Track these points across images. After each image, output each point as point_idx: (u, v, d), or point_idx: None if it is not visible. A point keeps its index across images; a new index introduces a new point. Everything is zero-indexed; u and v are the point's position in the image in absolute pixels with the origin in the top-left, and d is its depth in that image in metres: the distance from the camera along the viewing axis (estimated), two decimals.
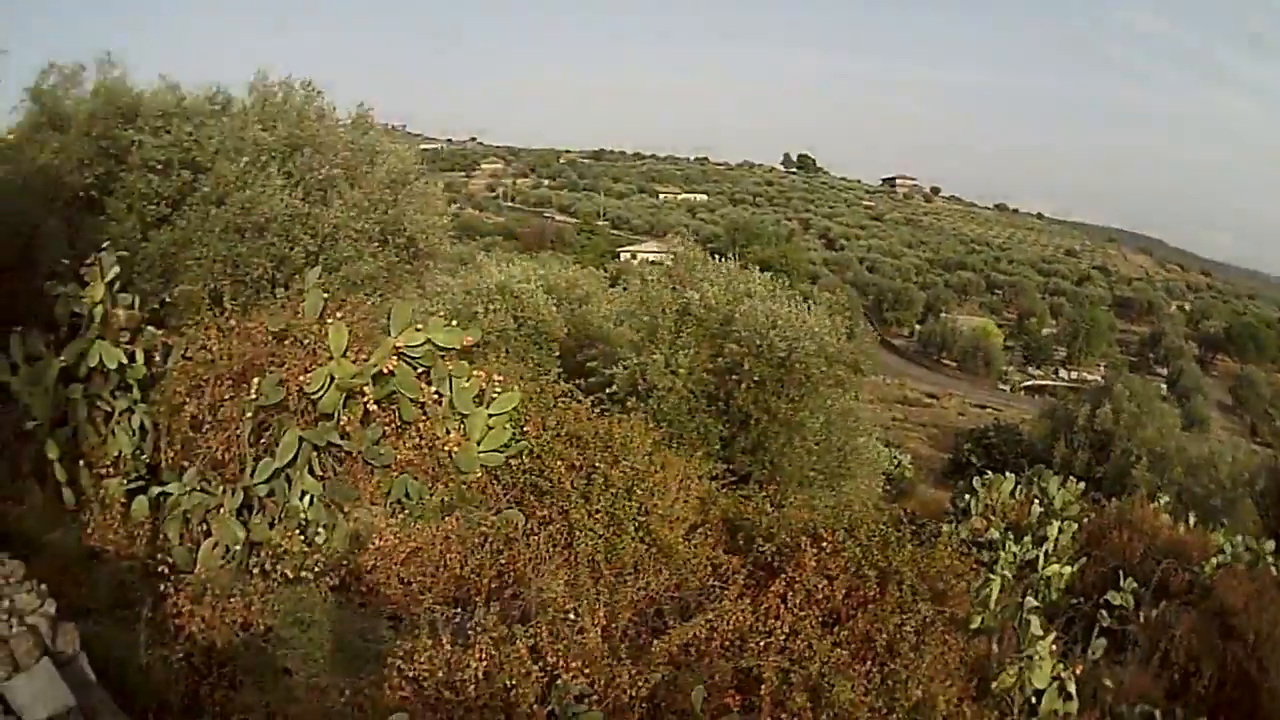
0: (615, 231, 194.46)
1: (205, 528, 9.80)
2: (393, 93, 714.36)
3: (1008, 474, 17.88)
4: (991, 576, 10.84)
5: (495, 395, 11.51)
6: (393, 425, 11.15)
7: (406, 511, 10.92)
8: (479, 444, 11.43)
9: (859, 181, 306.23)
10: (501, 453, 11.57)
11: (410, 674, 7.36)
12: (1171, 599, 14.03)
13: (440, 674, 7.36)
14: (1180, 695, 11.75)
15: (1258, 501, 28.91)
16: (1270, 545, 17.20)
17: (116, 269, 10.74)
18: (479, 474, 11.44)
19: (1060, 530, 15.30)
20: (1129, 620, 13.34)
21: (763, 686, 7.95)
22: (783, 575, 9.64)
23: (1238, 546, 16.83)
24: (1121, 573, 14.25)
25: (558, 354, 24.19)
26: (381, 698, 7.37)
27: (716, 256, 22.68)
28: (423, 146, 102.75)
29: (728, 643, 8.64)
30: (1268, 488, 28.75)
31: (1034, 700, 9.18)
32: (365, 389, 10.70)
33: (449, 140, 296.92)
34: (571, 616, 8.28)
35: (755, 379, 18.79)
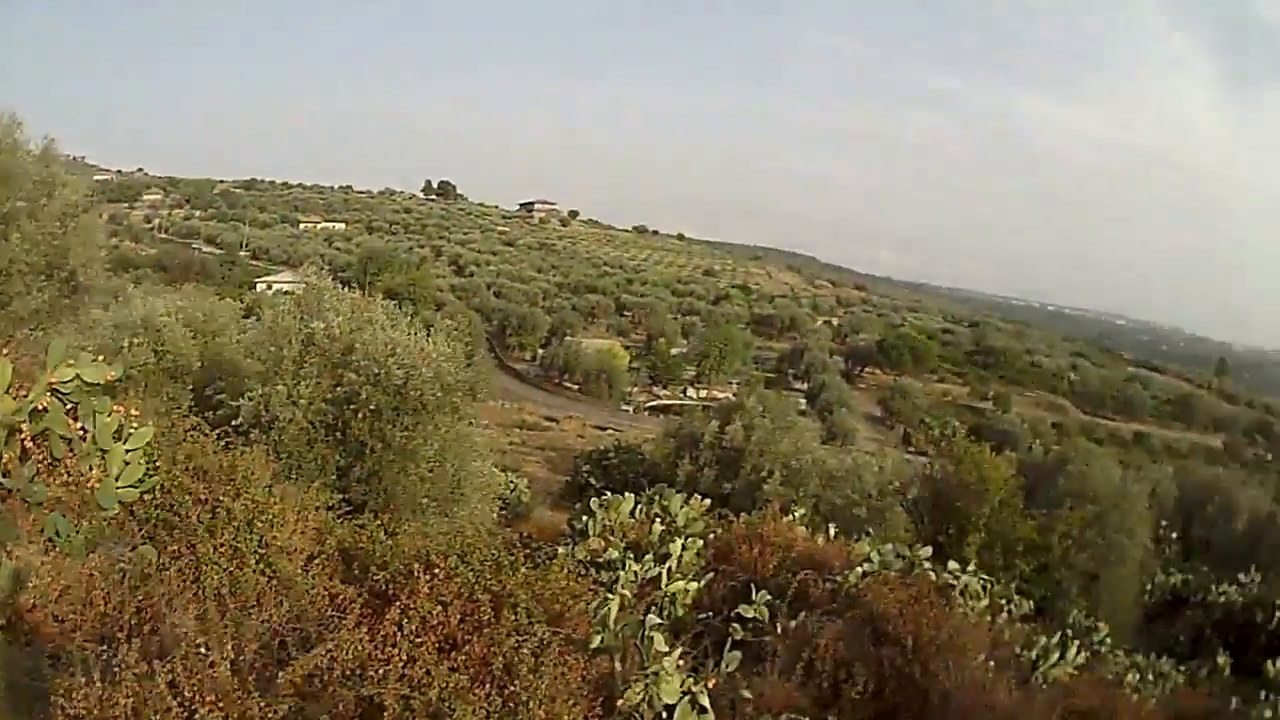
0: (255, 262, 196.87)
1: None
2: (76, 121, 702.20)
3: (627, 494, 17.96)
4: (610, 596, 10.77)
5: (132, 430, 11.32)
6: (45, 462, 10.72)
7: (58, 549, 10.64)
8: (117, 480, 11.08)
9: (496, 207, 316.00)
10: (136, 488, 11.24)
11: (71, 712, 7.30)
12: (812, 609, 14.32)
13: (96, 711, 7.31)
14: (831, 704, 12.12)
15: (910, 509, 30.04)
16: (926, 551, 17.74)
17: None
18: (117, 510, 11.14)
19: (684, 547, 15.55)
20: (765, 633, 13.55)
21: (385, 714, 8.13)
22: (398, 603, 9.74)
23: (886, 554, 17.32)
24: (754, 586, 14.52)
25: (191, 387, 24.06)
26: None
27: (346, 286, 22.87)
28: (97, 177, 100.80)
29: (349, 672, 8.70)
30: (921, 496, 29.91)
31: (665, 716, 9.40)
32: (23, 426, 10.42)
33: (119, 171, 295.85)
34: (203, 650, 8.22)
35: (372, 408, 19.06)
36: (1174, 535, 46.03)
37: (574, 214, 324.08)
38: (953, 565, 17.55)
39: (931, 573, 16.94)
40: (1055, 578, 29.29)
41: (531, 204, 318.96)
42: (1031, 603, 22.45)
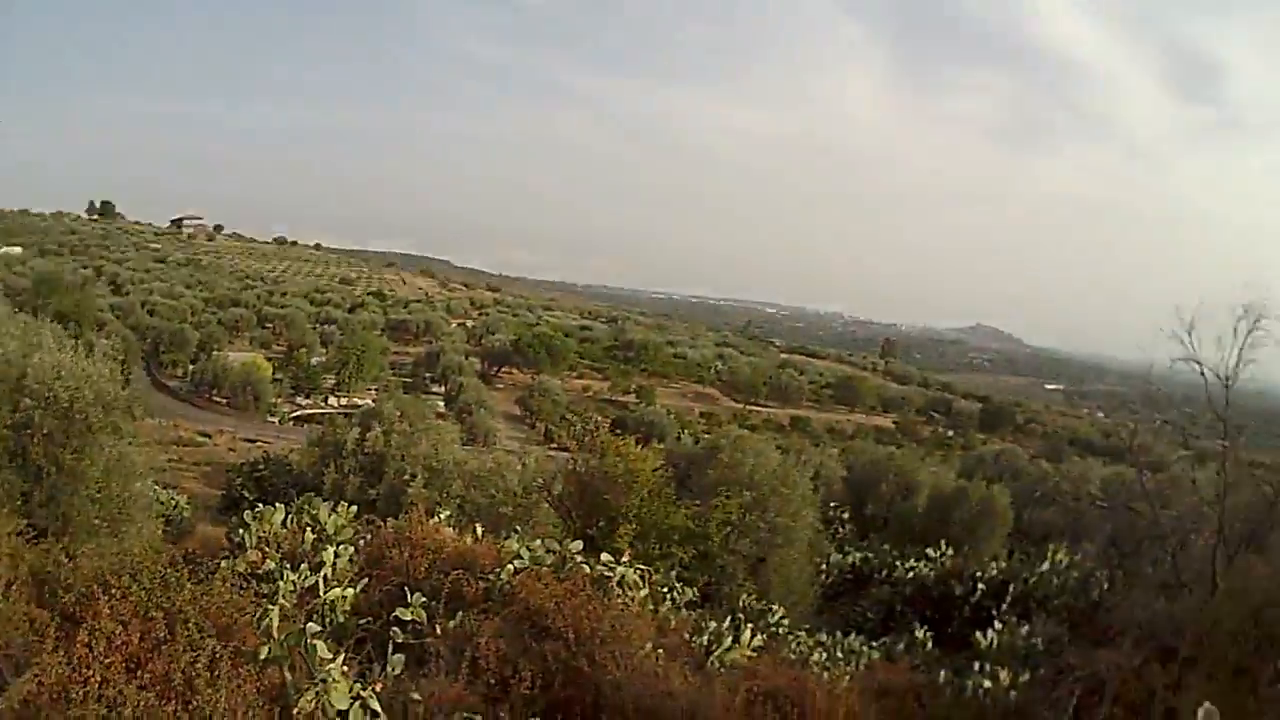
0: None
1: None
2: None
3: (278, 505, 18.00)
4: (270, 607, 11.27)
5: None
6: None
7: None
8: None
9: (150, 225, 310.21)
10: None
11: None
12: (469, 608, 14.67)
13: None
14: (501, 700, 12.33)
15: (557, 505, 30.42)
16: (577, 545, 18.06)
17: None
18: None
19: (336, 554, 15.81)
20: (425, 635, 13.81)
21: None
22: (84, 624, 9.98)
23: (537, 550, 17.77)
24: (408, 589, 14.75)
25: None
26: None
27: (23, 310, 22.77)
28: None
29: (55, 695, 8.94)
30: (567, 491, 30.26)
31: None
32: None
33: None
34: None
35: (45, 432, 18.93)
36: (845, 515, 47.83)
37: (219, 228, 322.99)
38: (605, 557, 17.92)
39: (585, 566, 17.32)
40: (719, 564, 29.64)
41: (181, 220, 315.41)
42: (695, 590, 23.16)
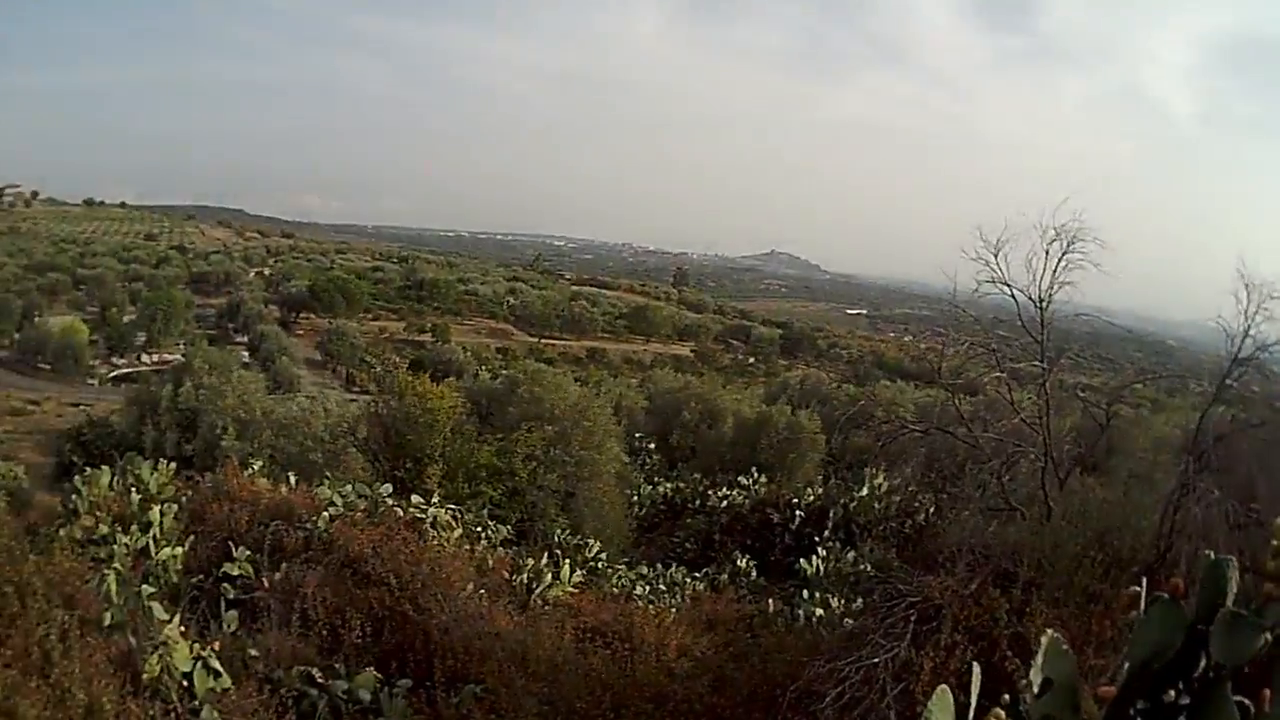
0: None
1: None
2: None
3: (104, 467, 18.11)
4: (107, 571, 11.16)
5: None
6: None
7: None
8: None
9: None
10: None
11: None
12: (292, 559, 14.71)
13: None
14: (335, 650, 12.55)
15: (363, 449, 30.27)
16: (387, 488, 18.46)
17: None
18: None
19: (162, 514, 15.61)
20: (254, 589, 13.88)
21: None
22: None
23: (349, 495, 17.84)
24: (232, 544, 14.88)
25: None
26: None
27: None
28: None
29: None
30: (372, 434, 30.00)
31: (186, 683, 9.66)
32: None
33: None
34: None
35: None
36: (650, 446, 48.02)
37: (35, 194, 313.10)
38: (416, 499, 18.20)
39: (398, 509, 17.51)
40: (529, 500, 29.48)
41: (2, 189, 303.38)
42: (509, 528, 23.56)
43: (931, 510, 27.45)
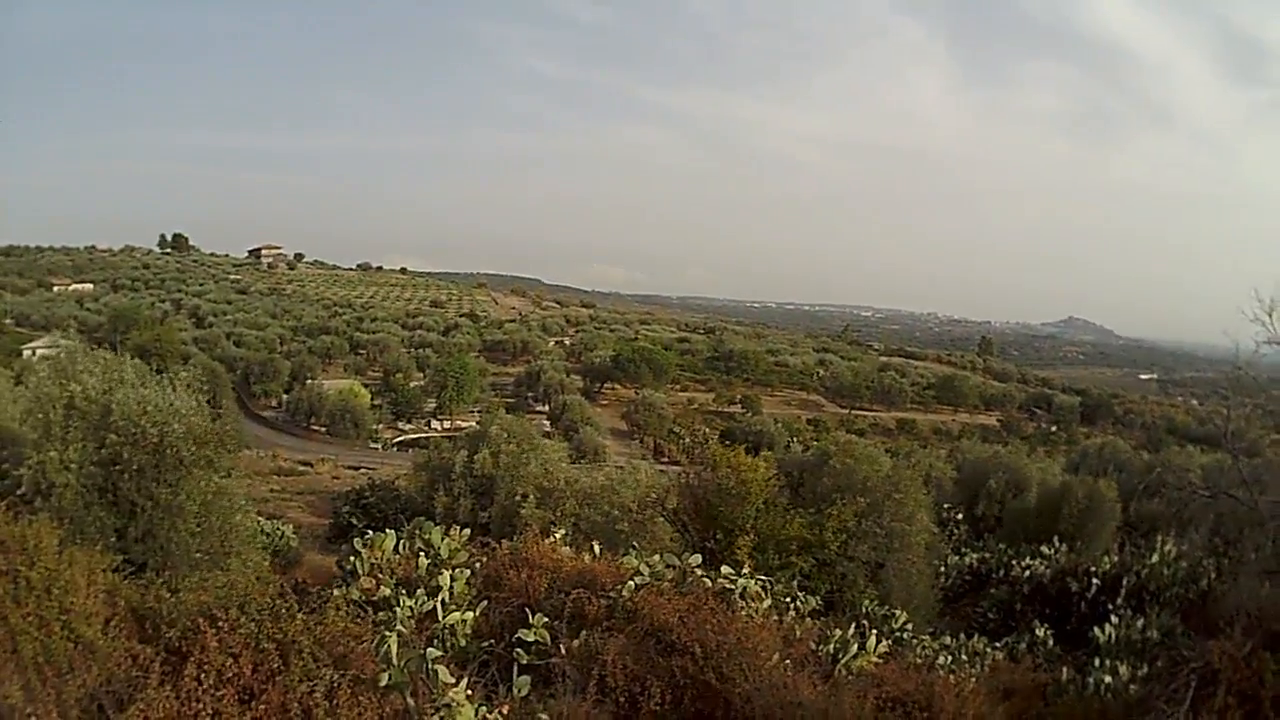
0: (19, 329, 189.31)
1: None
2: None
3: (388, 530, 17.97)
4: (388, 633, 10.68)
5: None
6: None
7: None
8: None
9: (227, 256, 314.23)
10: None
11: None
12: (592, 627, 14.38)
13: None
14: (631, 718, 12.30)
15: (672, 520, 30.06)
16: (696, 559, 17.66)
17: None
18: None
19: (453, 578, 15.38)
20: (549, 655, 13.59)
21: None
22: (192, 659, 9.87)
23: (656, 565, 17.32)
24: (529, 610, 14.46)
25: None
26: None
27: (99, 346, 22.69)
28: None
29: None
30: (682, 504, 29.89)
31: None
32: None
33: None
34: (33, 719, 8.57)
35: (135, 467, 18.95)
36: (958, 516, 47.27)
37: (300, 256, 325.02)
38: (726, 570, 17.62)
39: (706, 579, 16.98)
40: (839, 571, 29.02)
41: (259, 250, 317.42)
42: (818, 599, 22.58)
43: (1214, 575, 27.67)
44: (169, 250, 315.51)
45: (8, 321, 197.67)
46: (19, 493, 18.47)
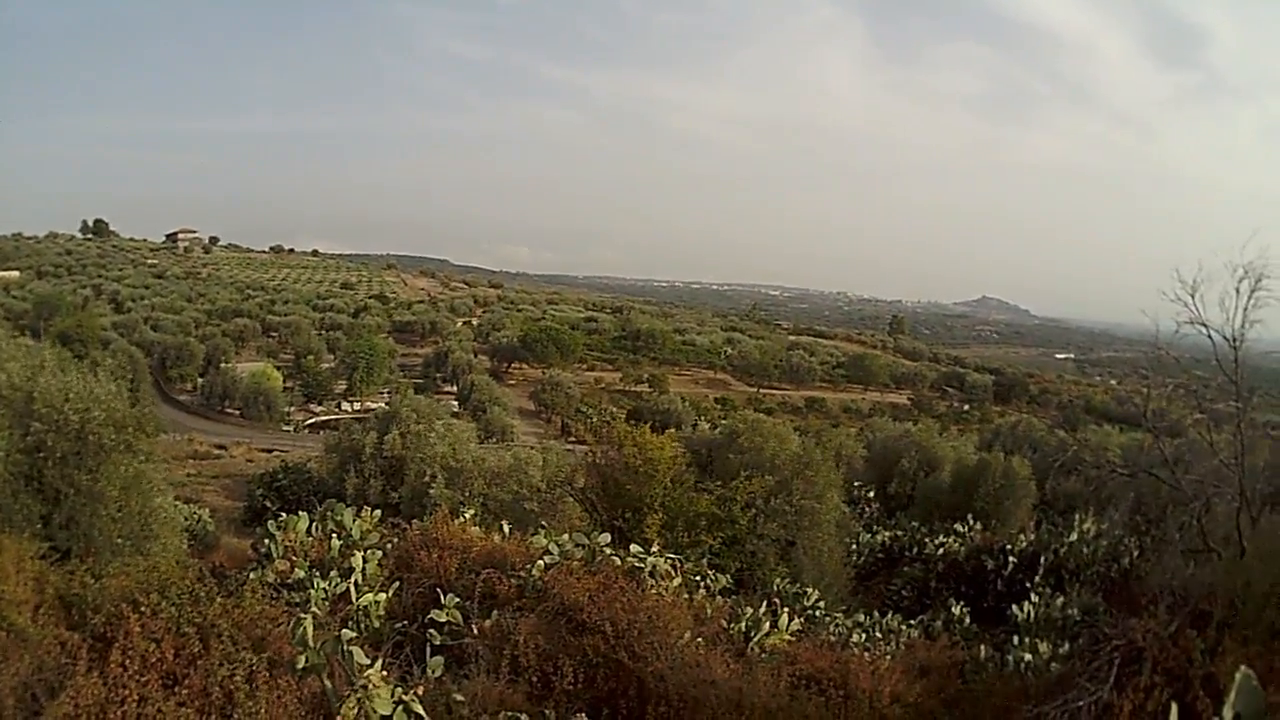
0: None
1: None
2: None
3: (301, 513, 18.07)
4: (303, 615, 10.81)
5: None
6: None
7: None
8: None
9: (145, 240, 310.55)
10: None
11: None
12: (503, 607, 14.65)
13: None
14: (544, 697, 12.31)
15: (580, 498, 30.24)
16: (605, 538, 17.95)
17: None
18: None
19: (365, 559, 15.76)
20: (462, 635, 13.83)
21: None
22: (116, 644, 9.95)
23: (565, 545, 17.51)
24: (441, 590, 14.71)
25: None
26: None
27: (24, 333, 22.65)
28: None
29: (93, 716, 8.92)
30: (590, 483, 30.04)
31: None
32: None
33: None
34: None
35: (59, 454, 18.93)
36: (869, 494, 48.10)
37: (214, 240, 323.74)
38: (635, 548, 17.86)
39: (615, 558, 17.27)
40: (749, 549, 29.56)
41: (175, 234, 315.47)
42: (728, 577, 22.98)
43: (1136, 554, 28.11)
44: (90, 236, 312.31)
45: None
46: None
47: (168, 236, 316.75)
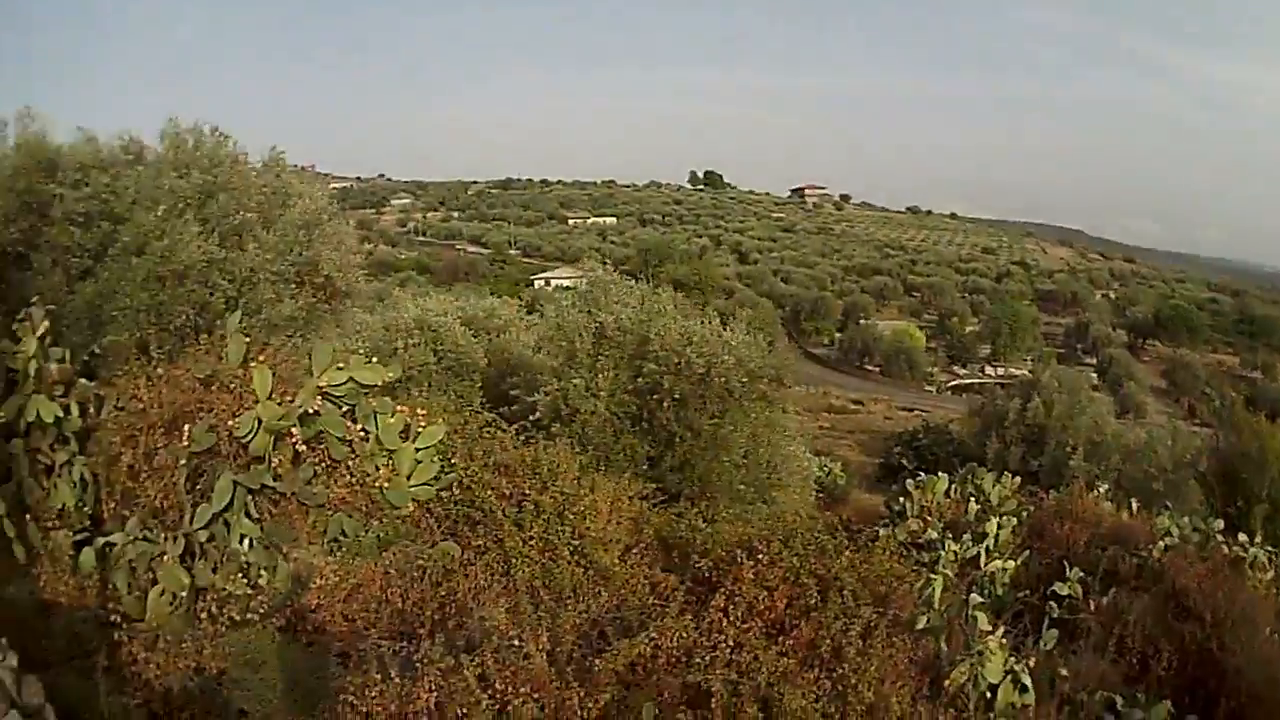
0: (527, 260, 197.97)
1: (151, 576, 10.10)
2: (300, 133, 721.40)
3: (940, 474, 18.18)
4: (933, 576, 10.69)
5: (420, 429, 11.79)
6: (323, 464, 11.33)
7: (344, 549, 11.16)
8: (409, 478, 11.68)
9: (767, 194, 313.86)
10: (432, 486, 11.84)
11: (363, 709, 7.54)
12: (1121, 585, 14.36)
13: (393, 707, 7.52)
14: (1139, 679, 11.99)
15: (1201, 482, 29.40)
16: (1219, 524, 17.77)
17: (46, 323, 10.90)
18: (411, 508, 11.67)
19: (999, 526, 15.70)
20: (1079, 610, 13.62)
21: (712, 700, 8.05)
22: (722, 590, 9.81)
23: (1184, 528, 17.38)
24: (1066, 563, 14.50)
25: (479, 384, 24.57)
26: None
27: (630, 278, 23.28)
28: (333, 185, 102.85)
29: (673, 659, 8.77)
30: (1211, 468, 29.23)
31: (989, 695, 9.32)
32: (293, 430, 10.94)
33: (358, 178, 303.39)
34: (516, 643, 8.41)
35: (675, 397, 19.37)
36: None
37: (846, 198, 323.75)
38: (1242, 537, 17.42)
39: (1225, 546, 16.85)
40: None
41: (802, 189, 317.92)
42: None
43: None
44: (702, 187, 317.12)
45: (512, 252, 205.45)
46: (533, 418, 19.20)
47: (793, 191, 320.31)
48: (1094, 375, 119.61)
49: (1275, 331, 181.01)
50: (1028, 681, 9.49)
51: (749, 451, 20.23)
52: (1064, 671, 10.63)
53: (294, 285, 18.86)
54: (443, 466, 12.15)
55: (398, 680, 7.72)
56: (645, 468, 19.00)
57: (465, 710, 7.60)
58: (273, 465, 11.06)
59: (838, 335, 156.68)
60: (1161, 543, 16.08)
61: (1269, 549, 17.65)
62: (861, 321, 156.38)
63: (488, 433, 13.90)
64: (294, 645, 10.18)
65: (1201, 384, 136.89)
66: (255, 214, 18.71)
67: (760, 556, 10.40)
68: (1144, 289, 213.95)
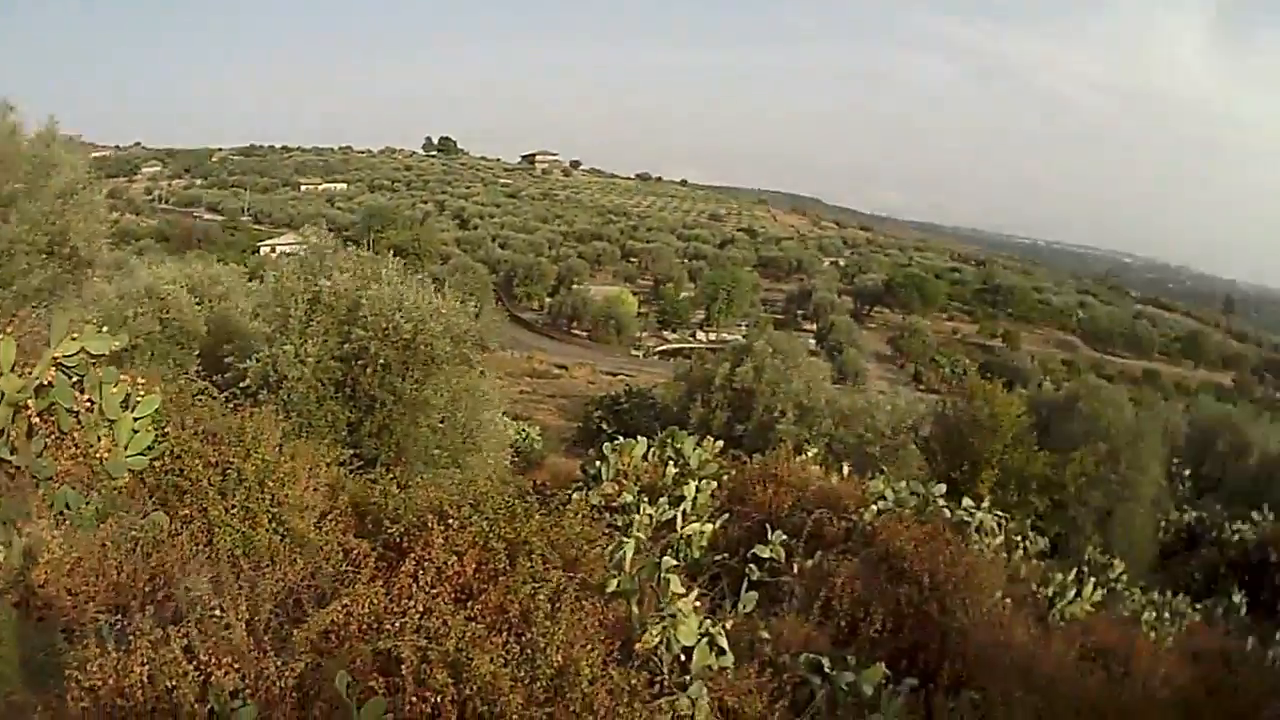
0: (258, 226, 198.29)
1: None
2: (72, 101, 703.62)
3: (640, 438, 17.89)
4: (625, 539, 10.89)
5: (139, 399, 11.40)
6: (52, 436, 11.04)
7: (68, 522, 10.67)
8: (126, 448, 11.32)
9: (498, 160, 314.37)
10: (145, 455, 11.50)
11: (86, 684, 7.21)
12: (828, 548, 14.37)
13: (110, 681, 7.23)
14: (848, 642, 12.01)
15: (923, 447, 30.05)
16: (940, 489, 17.97)
17: None
18: (127, 478, 11.35)
19: (698, 489, 15.47)
20: (781, 573, 13.65)
21: (403, 666, 7.85)
22: (412, 555, 9.73)
23: (901, 492, 17.39)
24: (769, 526, 14.46)
25: (198, 352, 24.25)
26: (65, 710, 7.25)
27: (351, 244, 23.02)
28: (94, 155, 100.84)
29: (365, 626, 8.61)
30: (935, 433, 29.91)
31: (684, 658, 9.26)
32: (29, 402, 10.57)
33: (117, 147, 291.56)
34: (217, 613, 8.27)
35: (381, 363, 19.29)
36: (1186, 472, 45.98)
37: (576, 164, 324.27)
38: (966, 502, 17.67)
39: (946, 510, 17.11)
40: (1070, 515, 29.18)
41: (533, 156, 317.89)
42: (1046, 540, 22.75)
43: None
44: (435, 154, 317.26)
45: (244, 219, 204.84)
46: (242, 385, 18.85)
47: (524, 157, 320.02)
48: (812, 341, 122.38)
49: (1018, 302, 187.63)
50: (724, 644, 9.40)
51: (447, 416, 20.27)
52: (765, 634, 10.83)
53: (44, 256, 19.08)
54: (157, 436, 11.74)
55: (113, 654, 7.40)
56: (345, 434, 18.94)
57: (174, 682, 7.29)
58: (10, 438, 10.64)
59: (548, 300, 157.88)
60: (874, 506, 16.19)
61: (997, 514, 18.03)
62: (574, 286, 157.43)
63: (199, 401, 13.71)
64: (26, 622, 9.68)
65: (932, 351, 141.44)
66: (22, 185, 18.82)
67: (450, 521, 10.30)
68: (878, 257, 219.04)
